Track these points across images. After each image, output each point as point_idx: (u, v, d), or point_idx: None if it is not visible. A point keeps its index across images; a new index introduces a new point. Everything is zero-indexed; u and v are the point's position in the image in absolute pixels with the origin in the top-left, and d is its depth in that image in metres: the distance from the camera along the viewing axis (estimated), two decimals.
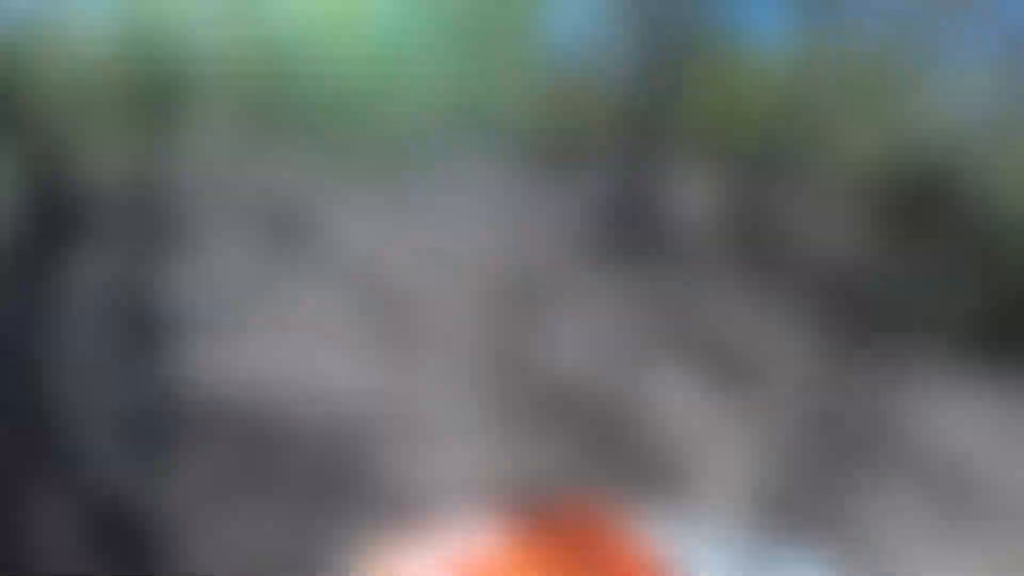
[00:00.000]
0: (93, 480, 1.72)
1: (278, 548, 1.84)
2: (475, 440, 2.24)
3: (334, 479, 2.01)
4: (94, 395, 1.91)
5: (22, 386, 1.95)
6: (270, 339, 1.98)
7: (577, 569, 0.75)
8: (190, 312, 2.00)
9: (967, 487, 2.28)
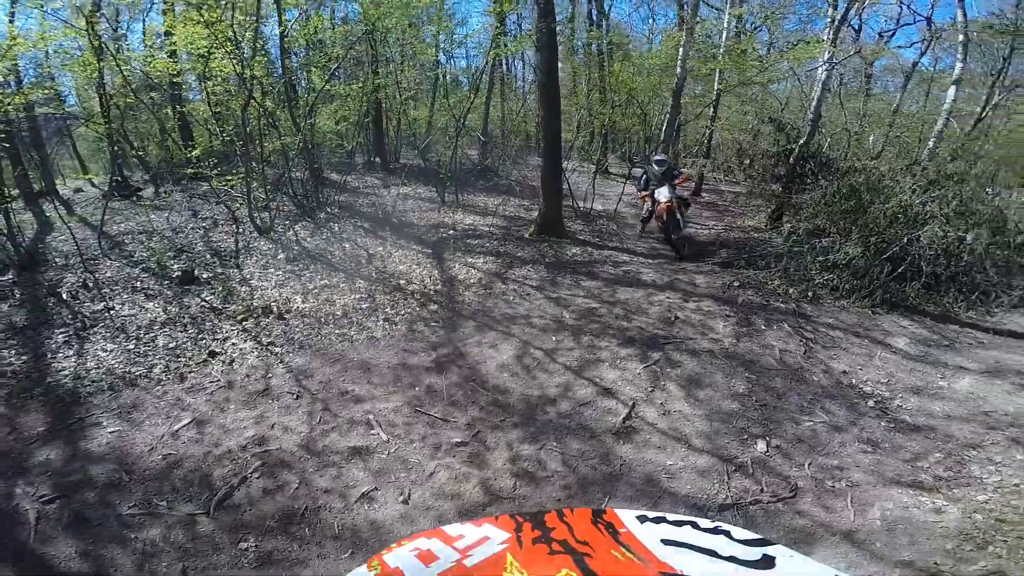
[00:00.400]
0: None
1: None
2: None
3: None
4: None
5: None
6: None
7: (576, 570, 0.73)
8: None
9: (880, 411, 3.36)
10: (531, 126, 13.70)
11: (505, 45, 9.77)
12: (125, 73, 8.82)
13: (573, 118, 11.48)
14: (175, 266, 5.75)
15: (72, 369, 4.02)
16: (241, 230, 6.71)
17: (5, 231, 5.61)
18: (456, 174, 9.13)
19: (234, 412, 3.64)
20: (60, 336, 4.42)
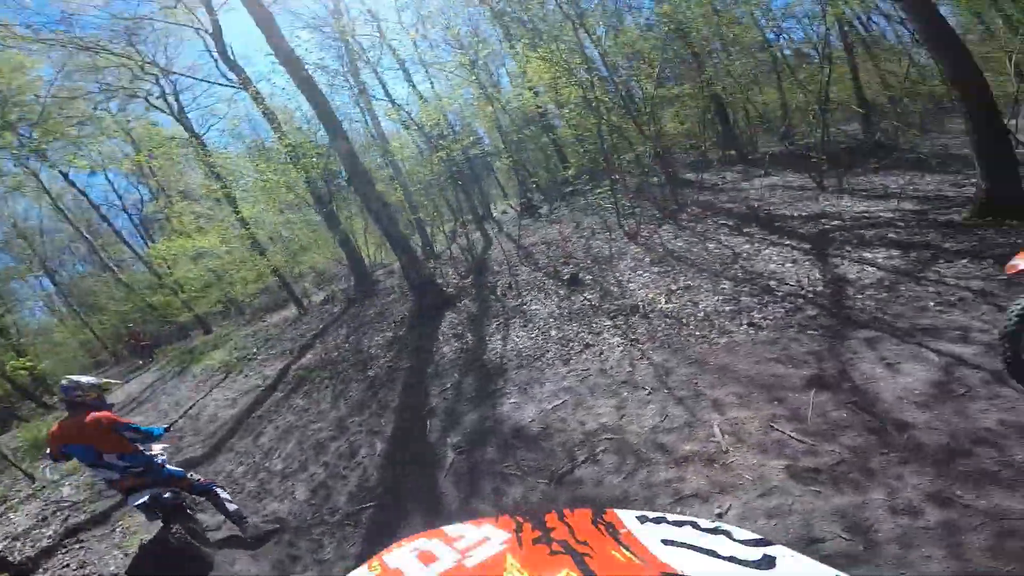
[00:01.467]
0: None
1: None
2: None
3: None
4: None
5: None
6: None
7: (576, 571, 0.70)
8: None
9: None
10: (934, 86, 10.21)
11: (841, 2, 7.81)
12: (506, 112, 11.24)
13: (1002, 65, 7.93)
14: (565, 271, 6.97)
15: (499, 349, 5.44)
16: (613, 237, 7.54)
17: (467, 247, 8.12)
18: (834, 155, 7.65)
19: (598, 397, 4.12)
20: (493, 324, 6.06)
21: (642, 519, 0.90)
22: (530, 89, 10.29)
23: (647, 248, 7.06)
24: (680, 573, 0.72)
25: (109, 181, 17.44)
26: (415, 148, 11.94)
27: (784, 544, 0.81)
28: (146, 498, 3.56)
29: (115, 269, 16.65)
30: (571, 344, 5.15)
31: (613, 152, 8.46)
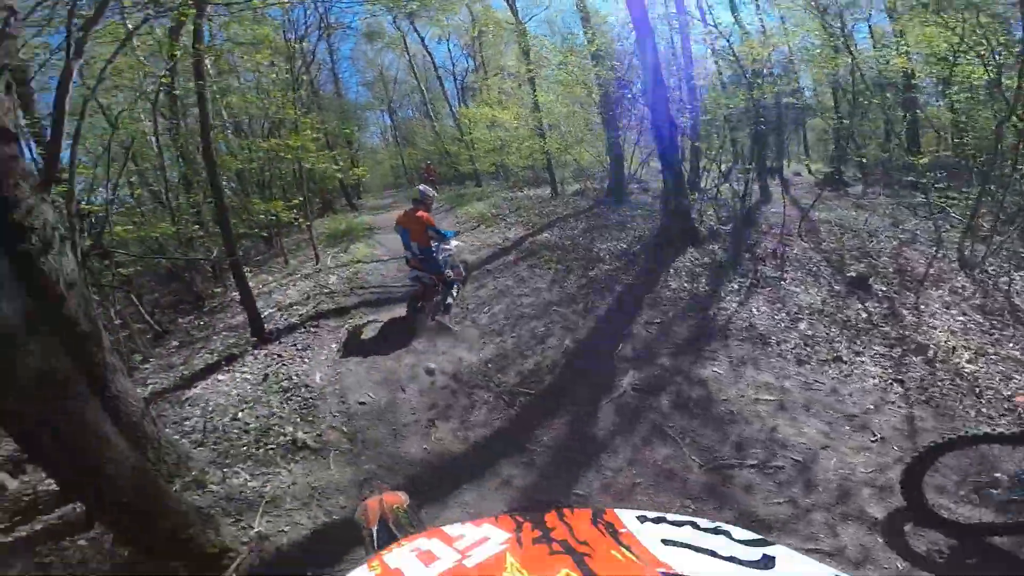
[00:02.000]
0: None
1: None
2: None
3: None
4: None
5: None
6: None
7: (576, 570, 0.69)
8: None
9: None
10: None
11: None
12: (862, 71, 9.04)
13: None
14: (854, 267, 5.70)
15: (730, 311, 4.90)
16: (940, 255, 5.77)
17: (740, 195, 7.23)
18: None
19: (812, 415, 3.55)
20: (736, 283, 5.43)
21: (642, 519, 0.89)
22: (905, 54, 8.10)
23: (981, 288, 5.26)
24: (680, 573, 0.71)
25: (449, 50, 21.20)
26: (718, 78, 11.06)
27: (783, 544, 0.77)
28: (414, 275, 5.17)
29: (433, 119, 21.01)
30: (817, 347, 4.33)
31: (1010, 158, 6.18)
